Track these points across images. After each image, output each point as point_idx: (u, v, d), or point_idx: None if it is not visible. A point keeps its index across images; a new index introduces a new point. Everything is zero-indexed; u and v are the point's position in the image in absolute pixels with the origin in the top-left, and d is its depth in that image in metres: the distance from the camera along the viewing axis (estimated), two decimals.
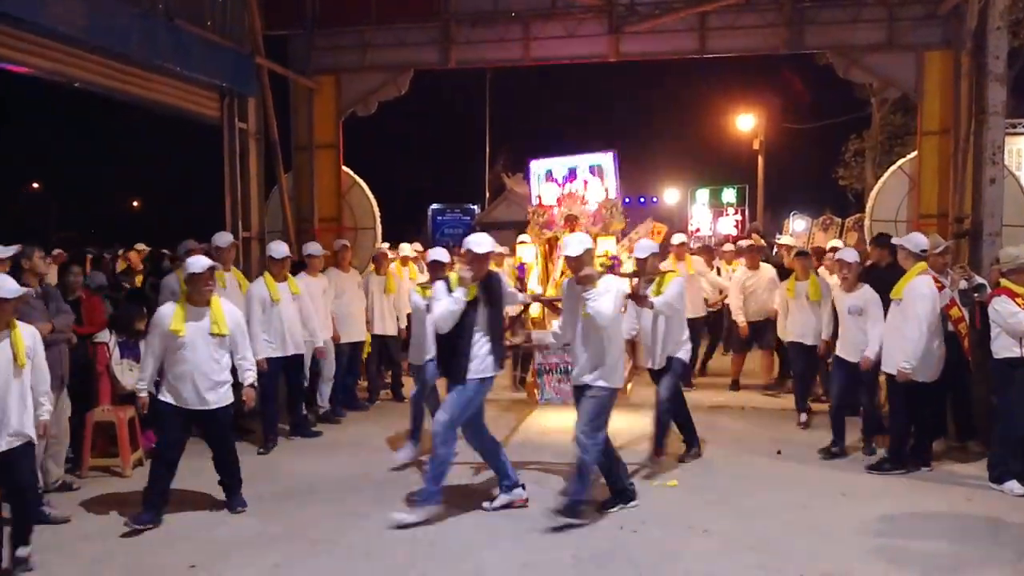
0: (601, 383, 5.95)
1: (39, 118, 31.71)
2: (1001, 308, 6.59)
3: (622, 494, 6.21)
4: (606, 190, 9.20)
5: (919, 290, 6.83)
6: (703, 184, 31.89)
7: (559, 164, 9.59)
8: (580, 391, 6.09)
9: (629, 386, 7.69)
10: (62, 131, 34.44)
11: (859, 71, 10.04)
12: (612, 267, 8.16)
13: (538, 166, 9.71)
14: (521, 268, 9.07)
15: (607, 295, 5.87)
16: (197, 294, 6.13)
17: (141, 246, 13.24)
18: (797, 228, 23.36)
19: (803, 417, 8.84)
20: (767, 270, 10.51)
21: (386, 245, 11.20)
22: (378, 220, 11.75)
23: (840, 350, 7.76)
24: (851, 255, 7.74)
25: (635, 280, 7.04)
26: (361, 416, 9.55)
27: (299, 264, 9.19)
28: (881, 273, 7.96)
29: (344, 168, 11.68)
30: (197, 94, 9.56)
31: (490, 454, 6.30)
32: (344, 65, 11.47)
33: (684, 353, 7.45)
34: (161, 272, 9.63)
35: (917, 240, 7.27)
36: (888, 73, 10.03)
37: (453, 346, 5.95)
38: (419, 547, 5.51)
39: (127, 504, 6.26)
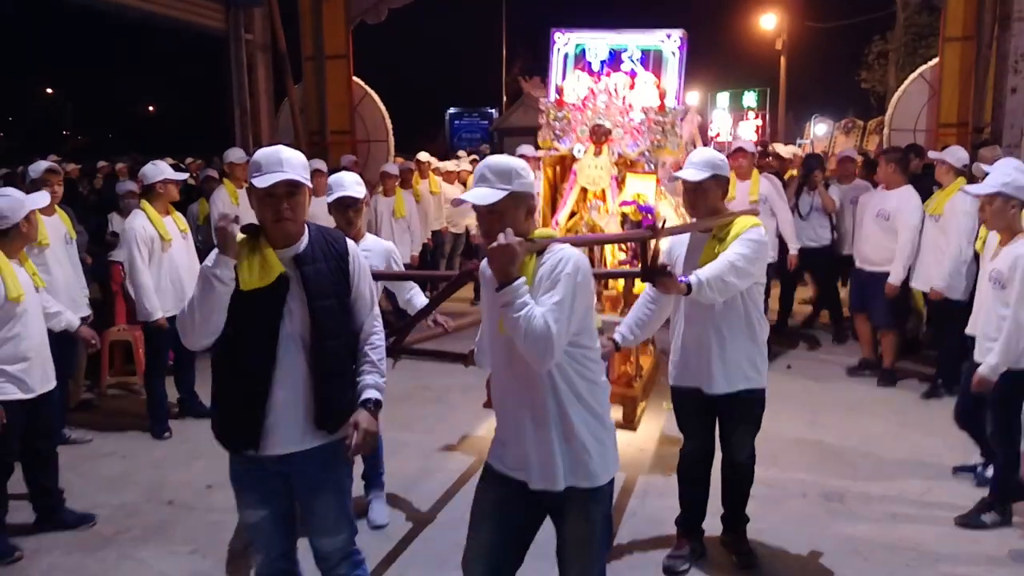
0: None
1: (53, 28, 31.41)
2: None
3: None
4: (662, 93, 6.17)
5: (963, 207, 6.34)
6: (723, 87, 31.27)
7: (598, 41, 6.57)
8: None
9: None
10: (77, 37, 34.09)
11: None
12: (641, 222, 5.63)
13: (565, 41, 6.68)
14: None
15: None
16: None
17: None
18: (819, 132, 23.06)
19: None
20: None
21: (396, 162, 11.04)
22: (390, 132, 11.64)
23: None
24: None
25: (654, 236, 3.51)
26: None
27: None
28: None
29: (355, 79, 11.51)
30: (201, 6, 9.43)
31: None
32: None
33: (760, 376, 3.98)
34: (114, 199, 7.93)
35: (959, 154, 6.78)
36: None
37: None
38: None
39: (145, 419, 6.36)
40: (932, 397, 6.68)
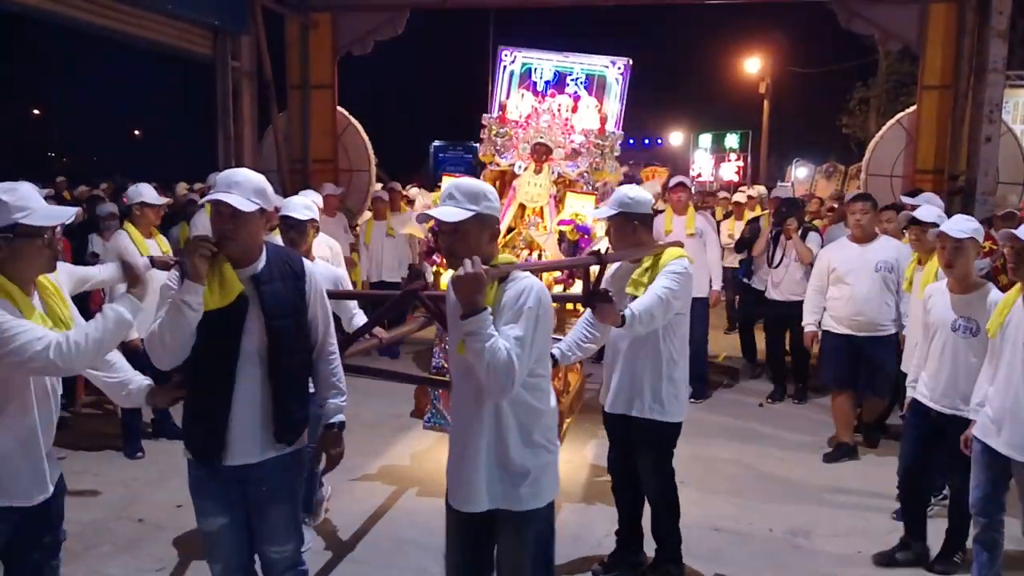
0: None
1: (41, 48, 31.41)
2: None
3: None
4: (603, 118, 6.41)
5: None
6: (706, 128, 31.58)
7: (544, 62, 6.77)
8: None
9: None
10: (65, 61, 34.10)
11: (861, 22, 9.86)
12: (577, 244, 5.68)
13: (512, 59, 6.79)
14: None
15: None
16: None
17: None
18: (800, 175, 23.25)
19: None
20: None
21: (379, 186, 11.13)
22: (372, 162, 11.67)
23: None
24: None
25: (599, 262, 3.93)
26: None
27: None
28: None
29: (339, 108, 11.57)
30: (189, 32, 9.45)
31: None
32: (341, 3, 11.26)
33: (664, 411, 4.12)
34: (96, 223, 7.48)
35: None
36: (890, 25, 9.86)
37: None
38: None
39: (118, 439, 6.37)
40: None
